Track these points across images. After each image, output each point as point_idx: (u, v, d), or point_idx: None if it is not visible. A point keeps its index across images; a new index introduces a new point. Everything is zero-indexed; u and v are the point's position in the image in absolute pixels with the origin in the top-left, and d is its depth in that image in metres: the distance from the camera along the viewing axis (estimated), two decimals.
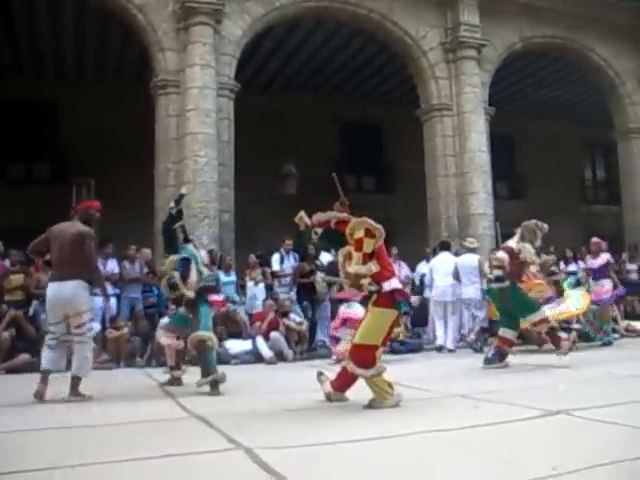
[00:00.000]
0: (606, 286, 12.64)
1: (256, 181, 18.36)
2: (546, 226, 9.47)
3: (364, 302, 6.66)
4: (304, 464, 3.79)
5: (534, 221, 9.49)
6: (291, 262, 13.72)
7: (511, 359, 9.23)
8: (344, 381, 6.28)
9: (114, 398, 7.12)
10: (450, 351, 12.47)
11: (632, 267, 16.23)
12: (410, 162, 18.83)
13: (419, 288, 14.72)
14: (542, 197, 22.91)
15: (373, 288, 6.02)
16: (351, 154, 21.95)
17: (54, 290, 7.12)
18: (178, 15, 14.94)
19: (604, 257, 12.90)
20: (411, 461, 3.79)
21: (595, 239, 13.47)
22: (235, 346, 11.74)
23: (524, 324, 9.71)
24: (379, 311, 6.04)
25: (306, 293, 13.26)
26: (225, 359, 11.48)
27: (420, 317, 14.06)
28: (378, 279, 6.01)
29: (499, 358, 9.09)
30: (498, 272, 9.17)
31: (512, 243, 9.37)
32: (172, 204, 8.33)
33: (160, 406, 6.46)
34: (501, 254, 9.36)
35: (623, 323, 14.05)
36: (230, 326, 12.40)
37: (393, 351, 11.64)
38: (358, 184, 22.34)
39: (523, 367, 8.73)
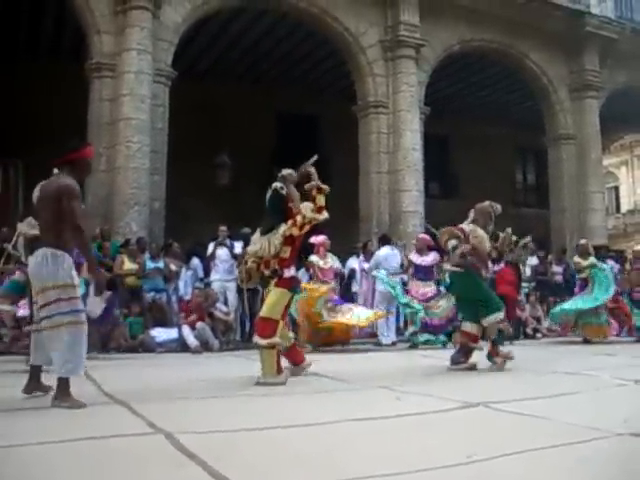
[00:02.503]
0: (432, 288, 12.26)
1: (189, 170, 18.22)
2: (499, 206, 8.82)
3: (264, 284, 7.48)
4: (224, 448, 3.77)
5: (488, 202, 8.83)
6: (225, 250, 13.47)
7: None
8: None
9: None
10: (393, 344, 12.56)
11: (558, 269, 16.62)
12: (345, 157, 18.90)
13: (347, 282, 14.79)
14: (473, 198, 22.80)
15: (276, 270, 7.02)
16: (287, 147, 21.89)
17: (30, 263, 5.77)
18: None
19: (432, 256, 12.40)
20: (331, 447, 3.81)
21: (421, 235, 13.28)
22: (161, 334, 11.66)
23: None
24: (280, 291, 6.99)
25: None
26: (151, 347, 11.42)
27: None
28: (283, 265, 7.02)
29: (464, 356, 8.25)
30: (453, 242, 8.54)
31: (464, 225, 8.59)
32: None
33: (82, 391, 6.34)
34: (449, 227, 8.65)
35: (545, 323, 14.36)
36: (156, 314, 12.31)
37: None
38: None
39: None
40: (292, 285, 7.14)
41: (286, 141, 22.03)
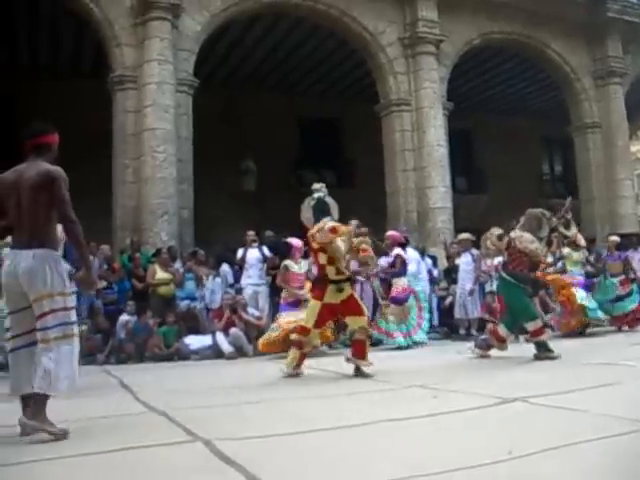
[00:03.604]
0: (399, 284, 11.74)
1: (215, 177, 18.30)
2: (554, 219, 9.15)
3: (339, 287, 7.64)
4: (262, 454, 3.78)
5: (540, 210, 9.06)
6: (256, 254, 13.41)
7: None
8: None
9: (72, 395, 7.03)
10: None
11: (589, 258, 16.37)
12: (370, 157, 18.90)
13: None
14: (501, 191, 23.15)
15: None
16: (311, 150, 21.98)
17: (10, 263, 4.77)
18: (135, 10, 14.82)
19: (395, 253, 11.93)
20: (370, 450, 3.81)
21: (389, 232, 12.82)
22: (195, 342, 11.71)
23: None
24: None
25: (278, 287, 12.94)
26: (185, 355, 11.48)
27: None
28: None
29: (485, 346, 8.93)
30: (494, 239, 8.84)
31: (511, 233, 8.83)
32: None
33: (119, 401, 6.42)
34: (490, 241, 8.98)
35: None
36: (189, 322, 12.37)
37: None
38: (318, 180, 22.28)
39: (484, 359, 8.82)
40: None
41: (310, 144, 22.09)
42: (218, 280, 13.29)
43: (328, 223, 7.51)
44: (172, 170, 14.38)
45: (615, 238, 14.54)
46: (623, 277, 13.30)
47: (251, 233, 13.43)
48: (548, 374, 7.02)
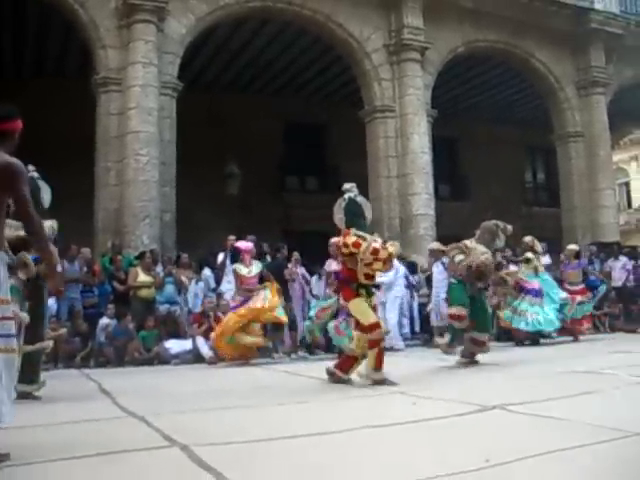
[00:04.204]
0: None
1: (199, 181, 18.24)
2: (510, 227, 9.13)
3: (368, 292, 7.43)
4: (241, 460, 3.75)
5: (494, 221, 9.15)
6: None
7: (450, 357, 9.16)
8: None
9: (49, 399, 6.98)
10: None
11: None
12: (354, 163, 18.89)
13: None
14: (484, 199, 23.22)
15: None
16: (295, 154, 21.97)
17: None
18: (120, 12, 14.79)
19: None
20: (348, 456, 3.78)
21: (333, 239, 12.69)
22: (175, 346, 11.66)
23: None
24: None
25: None
26: (166, 359, 11.43)
27: None
28: None
29: (468, 355, 8.95)
30: (460, 256, 8.93)
31: (467, 241, 8.95)
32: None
33: (97, 406, 6.36)
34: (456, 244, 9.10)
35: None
36: (170, 326, 12.31)
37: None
38: (301, 184, 22.36)
39: (462, 365, 8.81)
40: None
41: (294, 149, 22.07)
42: (201, 284, 13.25)
43: (373, 243, 7.22)
44: (155, 173, 14.33)
45: (573, 247, 14.60)
46: (582, 286, 13.39)
47: (232, 237, 13.35)
48: (529, 382, 7.00)
